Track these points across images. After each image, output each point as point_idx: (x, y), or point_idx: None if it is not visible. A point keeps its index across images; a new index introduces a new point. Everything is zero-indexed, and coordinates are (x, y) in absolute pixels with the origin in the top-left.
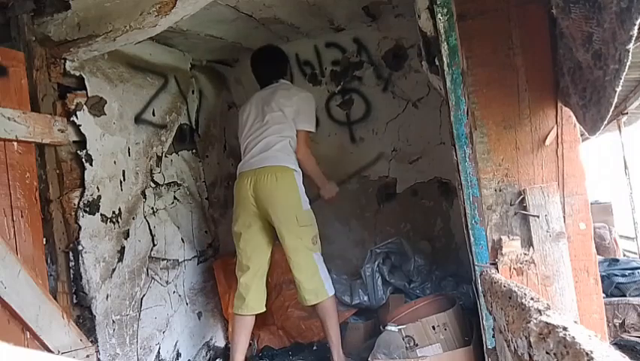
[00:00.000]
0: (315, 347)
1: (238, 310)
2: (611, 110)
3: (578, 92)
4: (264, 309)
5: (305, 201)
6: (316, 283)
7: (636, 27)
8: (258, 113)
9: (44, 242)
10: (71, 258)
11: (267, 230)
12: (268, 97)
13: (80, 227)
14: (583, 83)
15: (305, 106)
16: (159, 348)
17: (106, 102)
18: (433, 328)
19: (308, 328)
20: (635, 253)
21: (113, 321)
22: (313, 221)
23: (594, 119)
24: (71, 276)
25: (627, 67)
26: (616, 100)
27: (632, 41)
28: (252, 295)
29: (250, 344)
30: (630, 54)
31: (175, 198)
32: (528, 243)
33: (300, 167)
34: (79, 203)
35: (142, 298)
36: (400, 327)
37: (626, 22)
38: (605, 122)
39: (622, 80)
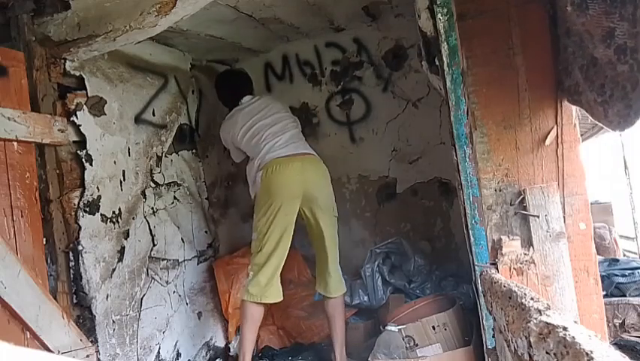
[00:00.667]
0: (323, 345)
1: (263, 298)
2: None
3: (594, 89)
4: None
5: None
6: (340, 275)
7: None
8: (259, 116)
9: (44, 242)
10: (71, 258)
11: (296, 219)
12: (259, 105)
13: (80, 227)
14: (600, 80)
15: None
16: (159, 348)
17: (106, 102)
18: (433, 328)
19: (308, 328)
20: (635, 253)
21: (113, 321)
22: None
23: (622, 115)
24: (71, 276)
25: None
26: None
27: None
28: (276, 283)
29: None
30: None
31: (175, 198)
32: (528, 243)
33: None
34: (79, 203)
35: (142, 298)
36: (400, 327)
37: None
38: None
39: None
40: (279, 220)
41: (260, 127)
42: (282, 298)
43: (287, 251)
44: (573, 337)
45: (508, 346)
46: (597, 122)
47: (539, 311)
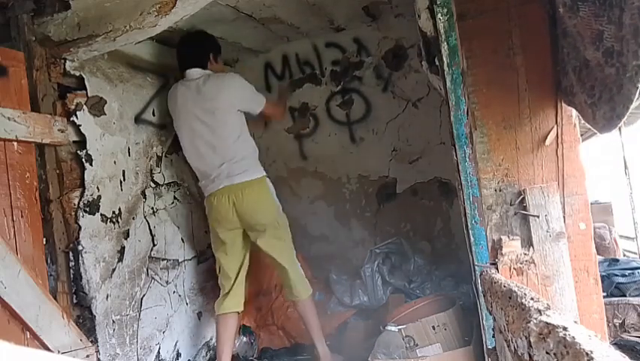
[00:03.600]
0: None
1: (222, 310)
2: (630, 107)
3: (585, 91)
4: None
5: (279, 205)
6: (302, 278)
7: None
8: (198, 117)
9: (44, 242)
10: (71, 258)
11: (244, 239)
12: (199, 95)
13: (80, 227)
14: (591, 82)
15: (240, 91)
16: (159, 348)
17: (106, 102)
18: (433, 328)
19: None
20: (635, 253)
21: (113, 321)
22: (286, 221)
23: (607, 117)
24: (71, 276)
25: None
26: (637, 97)
27: None
28: (233, 295)
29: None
30: None
31: (175, 198)
32: (528, 243)
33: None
34: (79, 203)
35: (142, 298)
36: (400, 327)
37: None
38: (623, 119)
39: None
40: (228, 248)
41: (197, 139)
42: (237, 309)
43: (245, 268)
44: (573, 337)
45: (508, 346)
46: (587, 124)
47: (539, 311)
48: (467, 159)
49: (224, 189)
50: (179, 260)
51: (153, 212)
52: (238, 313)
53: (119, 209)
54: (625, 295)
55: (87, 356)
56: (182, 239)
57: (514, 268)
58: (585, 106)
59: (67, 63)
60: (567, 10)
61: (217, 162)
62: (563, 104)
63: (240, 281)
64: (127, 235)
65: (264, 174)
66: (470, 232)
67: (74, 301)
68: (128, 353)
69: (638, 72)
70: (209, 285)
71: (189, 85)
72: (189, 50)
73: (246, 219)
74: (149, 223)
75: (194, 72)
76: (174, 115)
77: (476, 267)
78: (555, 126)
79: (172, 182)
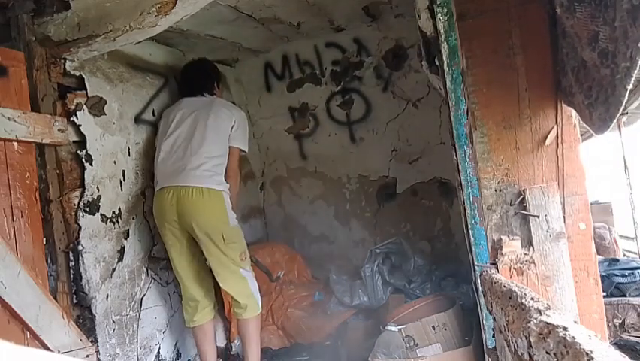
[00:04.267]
0: (323, 345)
1: (190, 324)
2: (622, 108)
3: (583, 92)
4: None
5: (232, 217)
6: (247, 298)
7: None
8: (190, 121)
9: (44, 242)
10: (71, 258)
11: (193, 243)
12: (205, 106)
13: (80, 227)
14: (588, 82)
15: (243, 125)
16: (159, 348)
17: (106, 102)
18: (433, 328)
19: (308, 328)
20: (635, 253)
21: (113, 321)
22: (241, 237)
23: (602, 118)
24: (71, 276)
25: (639, 65)
26: (627, 98)
27: None
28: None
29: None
30: None
31: None
32: (528, 243)
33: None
34: (79, 203)
35: (142, 298)
36: (400, 327)
37: (638, 19)
38: (615, 121)
39: (633, 79)
40: (174, 253)
41: (178, 138)
42: (203, 321)
43: (202, 270)
44: (573, 337)
45: (508, 346)
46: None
47: (539, 311)
48: (467, 159)
49: (171, 187)
50: None
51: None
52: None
53: (119, 209)
54: (625, 295)
55: (87, 356)
56: None
57: (514, 268)
58: (583, 107)
59: (67, 63)
60: (564, 11)
61: (182, 163)
62: (563, 104)
63: (205, 289)
64: (127, 235)
65: (224, 190)
66: (470, 232)
67: (74, 301)
68: (128, 353)
69: (627, 74)
70: None
71: (200, 100)
72: (197, 76)
73: (183, 221)
74: (149, 223)
75: (207, 96)
76: (169, 124)
77: (476, 267)
78: (555, 126)
79: None
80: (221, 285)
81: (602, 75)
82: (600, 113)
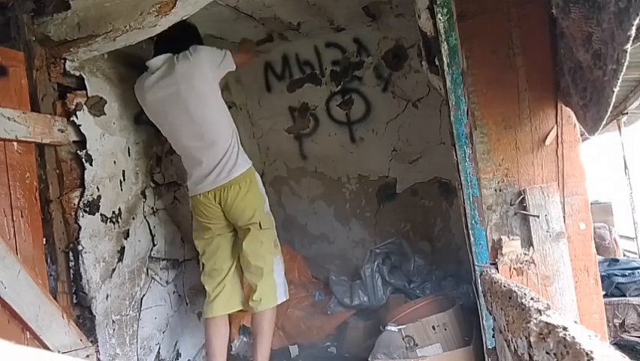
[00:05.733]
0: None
1: (209, 315)
2: (609, 110)
3: (578, 92)
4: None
5: (266, 203)
6: (268, 288)
7: (634, 27)
8: (176, 110)
9: (44, 242)
10: (71, 258)
11: (231, 236)
12: (167, 82)
13: (79, 227)
14: (583, 83)
15: (207, 57)
16: (159, 348)
17: (106, 102)
18: (433, 328)
19: (308, 328)
20: (635, 253)
21: (113, 321)
22: (273, 224)
23: (594, 119)
24: (71, 276)
25: (625, 67)
26: (614, 100)
27: (630, 42)
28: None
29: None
30: (628, 55)
31: (175, 198)
32: (528, 243)
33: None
34: (79, 203)
35: (142, 298)
36: (400, 327)
37: (624, 22)
38: (604, 122)
39: (620, 81)
40: (211, 246)
41: (182, 137)
42: (219, 314)
43: (234, 266)
44: (573, 337)
45: (508, 346)
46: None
47: (539, 311)
48: (467, 159)
49: (209, 193)
50: (179, 260)
51: (153, 212)
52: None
53: (119, 209)
54: (625, 295)
55: (87, 356)
56: (182, 239)
57: (514, 268)
58: (578, 107)
59: (67, 63)
60: (560, 12)
61: (202, 166)
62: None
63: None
64: (127, 235)
65: (250, 165)
66: (470, 232)
67: (74, 301)
68: (128, 353)
69: (614, 76)
70: None
71: (154, 77)
72: (163, 39)
73: (230, 218)
74: (149, 223)
75: (155, 61)
76: (156, 119)
77: (476, 267)
78: (555, 126)
79: (172, 182)
80: (249, 277)
81: (595, 76)
82: (593, 114)
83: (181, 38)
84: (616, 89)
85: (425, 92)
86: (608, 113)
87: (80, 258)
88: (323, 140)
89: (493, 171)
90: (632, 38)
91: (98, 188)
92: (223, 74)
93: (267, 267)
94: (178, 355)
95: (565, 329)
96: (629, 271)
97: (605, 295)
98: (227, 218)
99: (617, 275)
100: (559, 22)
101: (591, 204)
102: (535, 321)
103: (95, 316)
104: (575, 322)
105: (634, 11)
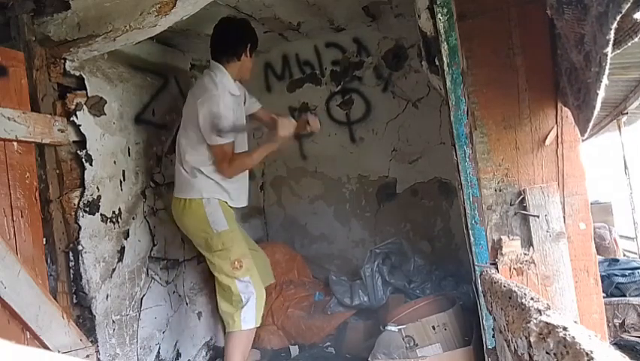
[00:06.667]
0: (323, 345)
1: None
2: (595, 112)
3: (573, 93)
4: None
5: (217, 223)
6: (231, 313)
7: (612, 31)
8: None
9: (44, 242)
10: (71, 258)
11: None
12: (190, 95)
13: (79, 227)
14: (578, 84)
15: (203, 112)
16: (159, 348)
17: (106, 102)
18: (433, 328)
19: (308, 328)
20: (635, 253)
21: (113, 321)
22: (232, 243)
23: (584, 120)
24: (71, 276)
25: (607, 71)
26: (599, 103)
27: (610, 45)
28: None
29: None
30: (609, 58)
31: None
32: (528, 243)
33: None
34: (79, 203)
35: (142, 298)
36: (400, 327)
37: (603, 25)
38: (591, 124)
39: (603, 84)
40: None
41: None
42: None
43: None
44: (573, 337)
45: (508, 346)
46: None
47: (539, 311)
48: (467, 159)
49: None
50: (179, 260)
51: (153, 212)
52: None
53: (119, 209)
54: (625, 295)
55: (87, 356)
56: (182, 239)
57: (514, 268)
58: (573, 108)
59: (67, 63)
60: (554, 12)
61: (179, 167)
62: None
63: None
64: (127, 235)
65: (204, 197)
66: (470, 232)
67: (74, 301)
68: (128, 353)
69: (597, 79)
70: (209, 285)
71: (196, 84)
72: (214, 41)
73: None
74: (149, 223)
75: (208, 71)
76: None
77: (476, 267)
78: (555, 126)
79: (172, 182)
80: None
81: (587, 78)
82: (585, 114)
83: (237, 42)
84: (600, 92)
85: (425, 92)
86: (594, 115)
87: (80, 258)
88: (323, 140)
89: (493, 171)
90: (611, 42)
91: (98, 188)
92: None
93: (227, 289)
94: (178, 355)
95: (565, 329)
96: (629, 271)
97: (605, 295)
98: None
99: (617, 275)
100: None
101: (591, 204)
102: (535, 321)
103: (95, 316)
104: (575, 322)
105: (612, 15)
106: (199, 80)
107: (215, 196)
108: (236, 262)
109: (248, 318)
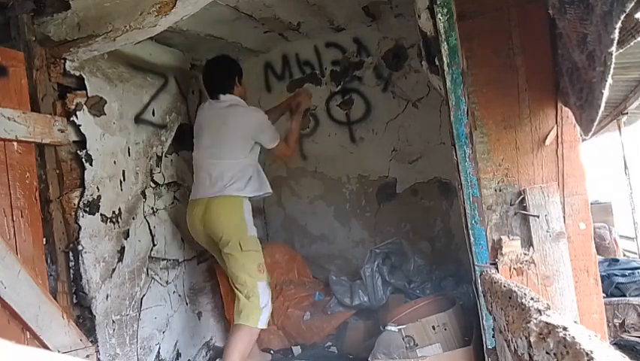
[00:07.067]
0: (323, 345)
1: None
2: (600, 112)
3: (575, 93)
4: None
5: (251, 227)
6: (250, 309)
7: (617, 30)
8: (212, 132)
9: (44, 242)
10: (71, 258)
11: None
12: (220, 116)
13: (79, 227)
14: (580, 84)
15: (265, 126)
16: (159, 348)
17: (106, 102)
18: (433, 328)
19: (308, 328)
20: (635, 253)
21: (113, 321)
22: (258, 248)
23: (587, 120)
24: (71, 276)
25: (612, 70)
26: (604, 102)
27: (614, 44)
28: None
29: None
30: (614, 57)
31: (175, 198)
32: (528, 243)
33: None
34: (79, 203)
35: (142, 298)
36: (400, 327)
37: (608, 25)
38: (595, 123)
39: (608, 83)
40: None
41: (204, 151)
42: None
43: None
44: (573, 337)
45: (508, 346)
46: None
47: (539, 311)
48: (467, 159)
49: (200, 200)
50: (179, 260)
51: (153, 212)
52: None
53: (119, 209)
54: (625, 295)
55: (87, 356)
56: (182, 239)
57: (514, 268)
58: (575, 108)
59: (67, 63)
60: (556, 12)
61: (207, 175)
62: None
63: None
64: (127, 235)
65: (245, 195)
66: (470, 232)
67: (74, 301)
68: (128, 353)
69: (602, 78)
70: (209, 285)
71: (218, 106)
72: (214, 76)
73: (208, 231)
74: (149, 223)
75: (226, 98)
76: (197, 131)
77: (476, 267)
78: (555, 126)
79: (172, 182)
80: (238, 297)
81: (590, 77)
82: (588, 114)
83: (230, 75)
84: (605, 92)
85: (425, 92)
86: (599, 115)
87: (80, 258)
88: (323, 140)
89: (493, 171)
90: (615, 41)
91: (98, 188)
92: (258, 141)
93: (250, 290)
94: (178, 355)
95: (565, 329)
96: (629, 271)
97: (605, 295)
98: (204, 230)
99: (617, 275)
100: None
101: (591, 204)
102: (535, 321)
103: (95, 316)
104: (575, 322)
105: (616, 15)
106: (236, 109)
107: (248, 200)
108: (259, 265)
109: (264, 319)
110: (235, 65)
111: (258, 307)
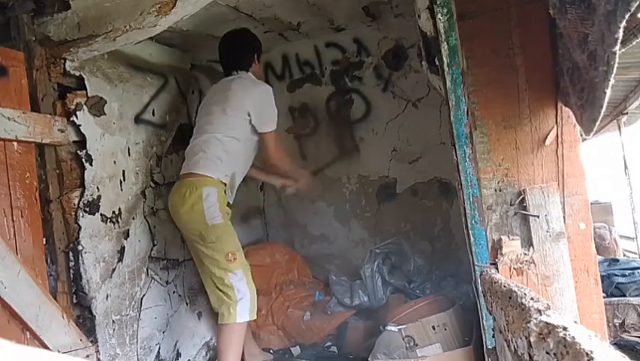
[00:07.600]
0: (323, 345)
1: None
2: (602, 112)
3: (576, 93)
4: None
5: (212, 215)
6: (227, 305)
7: (621, 30)
8: (210, 106)
9: (44, 242)
10: (71, 258)
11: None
12: (225, 87)
13: (79, 227)
14: (581, 84)
15: (265, 104)
16: (159, 348)
17: (106, 102)
18: (433, 328)
19: (308, 328)
20: (635, 253)
21: (113, 321)
22: (226, 236)
23: (590, 120)
24: (71, 276)
25: (615, 69)
26: (606, 102)
27: (618, 44)
28: None
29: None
30: (617, 57)
31: None
32: (528, 243)
33: (273, 167)
34: (79, 203)
35: (142, 298)
36: (400, 327)
37: (612, 24)
38: (597, 123)
39: (611, 82)
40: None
41: (196, 128)
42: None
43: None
44: (573, 337)
45: (508, 346)
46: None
47: (539, 311)
48: (467, 159)
49: (184, 181)
50: (179, 260)
51: (153, 212)
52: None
53: (119, 209)
54: (625, 295)
55: (87, 356)
56: (181, 239)
57: (514, 268)
58: (576, 108)
59: (67, 63)
60: (557, 12)
61: (197, 149)
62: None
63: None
64: (127, 235)
65: (219, 177)
66: (470, 232)
67: (74, 301)
68: (128, 353)
69: (605, 77)
70: None
71: (225, 80)
72: (229, 53)
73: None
74: (149, 223)
75: (239, 75)
76: (199, 110)
77: (476, 267)
78: (555, 126)
79: (172, 182)
80: (210, 291)
81: (591, 77)
82: (589, 114)
83: (243, 54)
84: (607, 91)
85: (425, 92)
86: (601, 114)
87: (80, 258)
88: (323, 140)
89: (493, 171)
90: (619, 40)
91: (98, 188)
92: (253, 121)
93: (219, 282)
94: (178, 355)
95: (565, 329)
96: (629, 271)
97: (605, 295)
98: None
99: (617, 275)
100: (557, 22)
101: (591, 204)
102: (535, 321)
103: (95, 316)
104: (575, 322)
105: (620, 14)
106: (242, 82)
107: (216, 185)
108: (229, 255)
109: (243, 311)
110: (256, 41)
111: (234, 300)
